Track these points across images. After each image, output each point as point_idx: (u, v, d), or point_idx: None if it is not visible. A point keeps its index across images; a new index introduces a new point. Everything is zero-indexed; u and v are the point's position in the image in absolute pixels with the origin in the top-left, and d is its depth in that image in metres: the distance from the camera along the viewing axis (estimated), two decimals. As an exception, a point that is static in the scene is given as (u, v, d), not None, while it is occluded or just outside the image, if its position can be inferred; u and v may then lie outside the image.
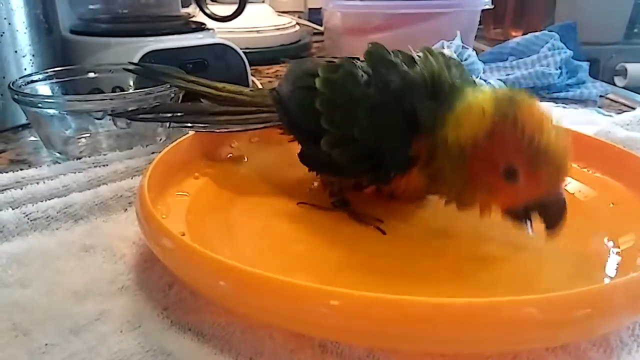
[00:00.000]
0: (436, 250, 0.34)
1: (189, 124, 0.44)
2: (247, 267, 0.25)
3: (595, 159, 0.42)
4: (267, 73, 0.85)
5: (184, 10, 0.75)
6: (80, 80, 0.54)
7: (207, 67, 0.65)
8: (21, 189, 0.40)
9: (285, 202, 0.39)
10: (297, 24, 1.01)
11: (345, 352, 0.26)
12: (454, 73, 0.35)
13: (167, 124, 0.51)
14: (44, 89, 0.51)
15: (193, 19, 0.73)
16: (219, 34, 0.73)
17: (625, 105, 0.70)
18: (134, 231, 0.36)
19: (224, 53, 0.68)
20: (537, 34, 0.76)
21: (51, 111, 0.47)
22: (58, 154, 0.49)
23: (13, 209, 0.38)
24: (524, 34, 0.80)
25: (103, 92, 0.53)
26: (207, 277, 0.27)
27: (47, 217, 0.38)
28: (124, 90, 0.54)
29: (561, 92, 0.71)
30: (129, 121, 0.49)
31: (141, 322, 0.29)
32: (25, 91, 0.48)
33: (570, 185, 0.41)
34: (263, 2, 1.03)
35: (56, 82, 0.52)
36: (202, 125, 0.43)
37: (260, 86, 0.72)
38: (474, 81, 0.36)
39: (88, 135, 0.51)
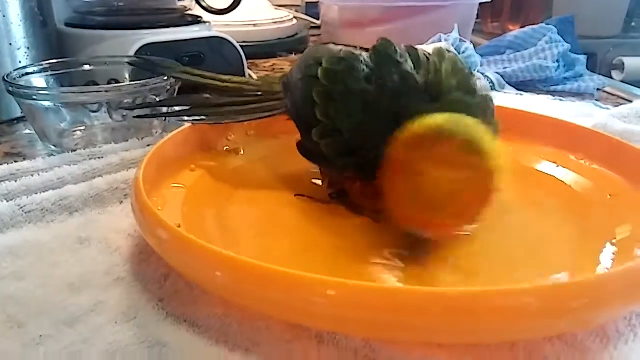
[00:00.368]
0: (433, 241, 0.34)
1: (196, 117, 0.44)
2: (243, 258, 0.25)
3: (593, 151, 0.42)
4: (264, 67, 0.85)
5: (180, 3, 0.74)
6: (76, 73, 0.54)
7: (203, 61, 0.65)
8: (16, 181, 0.40)
9: (281, 195, 0.39)
10: (294, 17, 1.00)
11: (342, 343, 0.26)
12: (454, 83, 0.34)
13: (167, 119, 0.51)
14: (39, 81, 0.51)
15: (189, 12, 0.73)
16: (215, 27, 0.72)
17: (622, 98, 0.70)
18: (130, 223, 0.36)
19: (220, 46, 0.68)
20: (534, 27, 0.76)
21: (46, 103, 0.47)
22: (53, 147, 0.48)
23: (7, 201, 0.37)
24: (521, 28, 0.80)
25: (98, 85, 0.53)
26: (203, 268, 0.27)
27: (42, 210, 0.37)
28: (119, 83, 0.54)
29: (558, 85, 0.71)
30: (124, 114, 0.49)
31: (136, 313, 0.29)
32: (20, 83, 0.47)
33: (568, 177, 0.41)
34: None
35: (51, 75, 0.52)
36: (209, 117, 0.43)
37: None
38: (474, 91, 0.35)
39: (83, 128, 0.51)
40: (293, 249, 0.33)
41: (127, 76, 0.55)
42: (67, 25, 0.66)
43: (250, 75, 0.72)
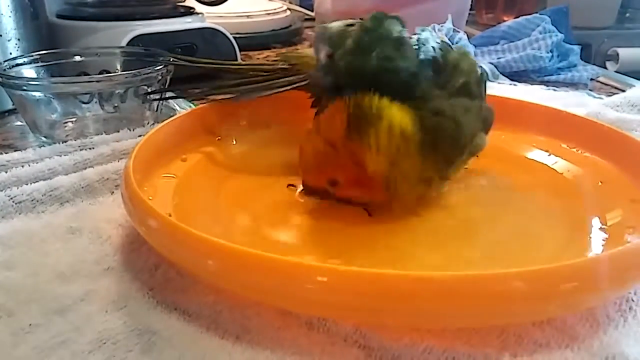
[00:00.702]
0: (422, 226, 0.34)
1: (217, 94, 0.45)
2: (234, 245, 0.25)
3: (584, 139, 0.42)
4: (258, 58, 0.84)
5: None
6: (67, 64, 0.53)
7: (196, 52, 0.65)
8: (6, 172, 0.40)
9: (273, 184, 0.39)
10: (288, 9, 1.00)
11: (332, 329, 0.26)
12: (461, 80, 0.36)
13: (160, 109, 0.51)
14: (29, 72, 0.51)
15: (182, 3, 0.72)
16: (208, 18, 0.72)
17: (615, 88, 0.70)
18: (121, 213, 0.35)
19: (213, 37, 0.67)
20: (528, 17, 0.76)
21: (36, 94, 0.46)
22: (44, 138, 0.48)
23: (-2, 192, 0.37)
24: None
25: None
26: (193, 256, 0.27)
27: (33, 200, 0.37)
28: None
29: (552, 75, 0.71)
30: (116, 104, 0.49)
31: (127, 302, 0.29)
32: (10, 74, 0.47)
33: (559, 164, 0.41)
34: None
35: (42, 66, 0.52)
36: (229, 94, 0.45)
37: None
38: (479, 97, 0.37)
39: (74, 119, 0.50)
40: (284, 238, 0.33)
41: (118, 67, 0.54)
42: (58, 16, 0.66)
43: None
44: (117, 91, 0.48)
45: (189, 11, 0.70)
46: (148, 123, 0.51)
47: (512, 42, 0.74)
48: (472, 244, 0.33)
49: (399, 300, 0.23)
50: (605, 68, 0.98)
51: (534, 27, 0.74)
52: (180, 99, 0.59)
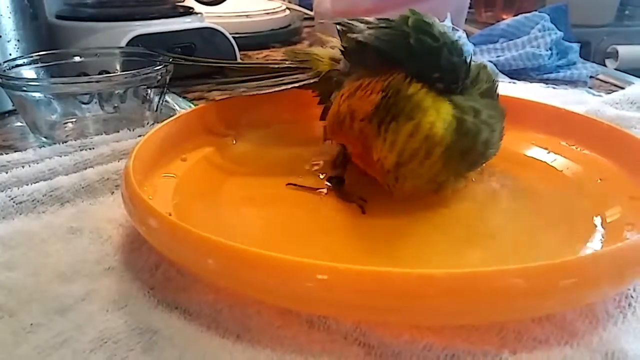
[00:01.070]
0: (419, 223, 0.34)
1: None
2: (234, 244, 0.25)
3: (583, 136, 0.42)
4: (257, 58, 0.84)
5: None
6: (66, 65, 0.53)
7: (195, 52, 0.65)
8: (6, 172, 0.40)
9: (273, 184, 0.39)
10: (287, 8, 1.00)
11: (332, 327, 0.26)
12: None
13: (160, 109, 0.51)
14: (29, 73, 0.51)
15: (181, 3, 0.73)
16: (207, 18, 0.72)
17: (615, 85, 0.70)
18: (121, 213, 0.36)
19: (212, 37, 0.67)
20: (527, 15, 0.76)
21: (36, 95, 0.46)
22: (44, 139, 0.48)
23: (-2, 193, 0.37)
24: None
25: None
26: (194, 254, 0.27)
27: (33, 201, 0.37)
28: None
29: (551, 73, 0.71)
30: (116, 105, 0.49)
31: (127, 301, 0.29)
32: (9, 75, 0.47)
33: (558, 161, 0.41)
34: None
35: (41, 67, 0.52)
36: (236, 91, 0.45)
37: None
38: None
39: (74, 119, 0.50)
40: (284, 236, 0.33)
41: (117, 67, 0.54)
42: (57, 17, 0.66)
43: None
44: (116, 91, 0.48)
45: (188, 11, 0.70)
46: (148, 123, 0.51)
47: (511, 40, 0.74)
48: (471, 241, 0.33)
49: (398, 298, 0.23)
50: (605, 66, 0.98)
51: (533, 25, 0.74)
52: (180, 99, 0.59)
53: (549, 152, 0.42)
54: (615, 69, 0.94)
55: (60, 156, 0.42)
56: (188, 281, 0.30)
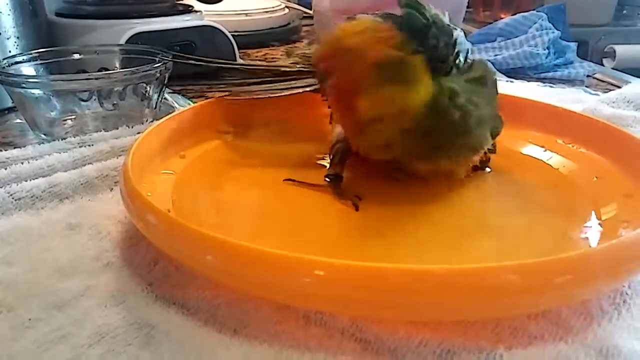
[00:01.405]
0: (415, 220, 0.34)
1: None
2: (232, 240, 0.25)
3: (579, 134, 0.42)
4: (256, 56, 0.85)
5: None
6: (66, 62, 0.53)
7: (194, 50, 0.65)
8: (5, 169, 0.40)
9: (271, 180, 0.39)
10: (286, 6, 1.00)
11: (329, 323, 0.26)
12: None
13: (159, 106, 0.51)
14: (28, 70, 0.51)
15: (180, 1, 0.73)
16: (207, 16, 0.72)
17: (612, 84, 0.70)
18: (120, 210, 0.36)
19: (212, 35, 0.68)
20: (525, 14, 0.76)
21: (36, 92, 0.47)
22: (44, 136, 0.48)
23: (-3, 189, 0.38)
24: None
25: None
26: (192, 250, 0.27)
27: (32, 197, 0.37)
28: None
29: (549, 72, 0.71)
30: (115, 102, 0.49)
31: (126, 297, 0.29)
32: (9, 72, 0.47)
33: (554, 159, 0.41)
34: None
35: (41, 64, 0.52)
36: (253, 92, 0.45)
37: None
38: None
39: (74, 117, 0.51)
40: (282, 233, 0.34)
41: (117, 65, 0.55)
42: (57, 14, 0.66)
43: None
44: (116, 89, 0.48)
45: (188, 9, 0.71)
46: (147, 120, 0.51)
47: (509, 39, 0.75)
48: (466, 237, 0.33)
49: (395, 294, 0.24)
50: (602, 65, 0.99)
51: (531, 24, 0.74)
52: (179, 97, 0.59)
53: (545, 150, 0.42)
54: (613, 69, 0.94)
55: (60, 153, 0.42)
56: (186, 277, 0.30)
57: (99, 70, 0.54)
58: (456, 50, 0.35)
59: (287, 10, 0.99)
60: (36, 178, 0.39)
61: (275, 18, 0.95)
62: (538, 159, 0.42)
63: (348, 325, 0.26)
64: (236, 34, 0.72)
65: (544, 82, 0.67)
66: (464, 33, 0.74)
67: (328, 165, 0.39)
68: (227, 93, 0.46)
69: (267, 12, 0.94)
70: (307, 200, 0.37)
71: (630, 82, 0.66)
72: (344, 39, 0.33)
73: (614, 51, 1.03)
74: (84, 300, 0.28)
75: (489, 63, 0.39)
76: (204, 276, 0.29)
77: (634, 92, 0.55)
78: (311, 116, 0.45)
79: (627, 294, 0.28)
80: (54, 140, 0.46)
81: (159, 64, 0.49)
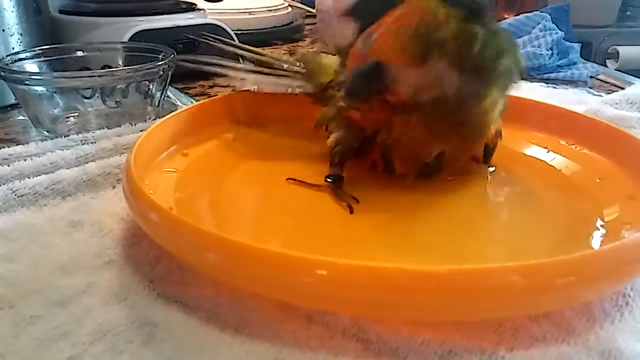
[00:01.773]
0: (422, 222, 0.34)
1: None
2: (235, 238, 0.26)
3: (583, 136, 0.42)
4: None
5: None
6: (69, 59, 0.53)
7: (197, 48, 0.65)
8: (8, 165, 0.40)
9: (273, 179, 0.39)
10: (290, 5, 1.00)
11: (331, 323, 0.26)
12: None
13: (162, 105, 0.51)
14: (32, 67, 0.51)
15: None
16: (210, 14, 0.72)
17: (615, 85, 0.70)
18: (122, 207, 0.36)
19: (214, 33, 0.67)
20: (528, 14, 0.76)
21: (39, 89, 0.47)
22: (46, 133, 0.48)
23: (0, 186, 0.37)
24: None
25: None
26: (194, 248, 0.27)
27: (35, 194, 0.37)
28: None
29: (552, 73, 0.71)
30: (118, 99, 0.49)
31: (127, 294, 0.29)
32: (12, 69, 0.47)
33: (557, 161, 0.41)
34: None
35: (44, 61, 0.52)
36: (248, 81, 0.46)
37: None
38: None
39: (77, 114, 0.51)
40: (284, 232, 0.34)
41: (120, 62, 0.55)
42: (60, 12, 0.66)
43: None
44: (119, 86, 0.48)
45: (191, 7, 0.70)
46: (149, 118, 0.51)
47: (513, 39, 0.74)
48: (469, 238, 0.33)
49: (397, 294, 0.24)
50: (606, 66, 0.98)
51: (534, 24, 0.74)
52: (182, 95, 0.59)
53: (548, 151, 0.42)
54: (616, 70, 0.94)
55: (62, 150, 0.43)
56: (188, 275, 0.30)
57: (102, 68, 0.54)
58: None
59: (290, 8, 0.99)
60: (39, 175, 0.39)
61: (278, 17, 0.95)
62: (541, 160, 0.42)
63: (350, 324, 0.26)
64: (239, 32, 0.72)
65: (547, 83, 0.67)
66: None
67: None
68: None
69: (270, 10, 0.94)
70: (310, 199, 0.37)
71: (633, 84, 0.65)
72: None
73: (618, 52, 1.03)
74: (85, 298, 0.28)
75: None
76: (205, 274, 0.29)
77: (637, 94, 0.55)
78: (315, 116, 0.45)
79: (629, 295, 0.28)
80: (56, 137, 0.46)
81: (162, 62, 0.49)
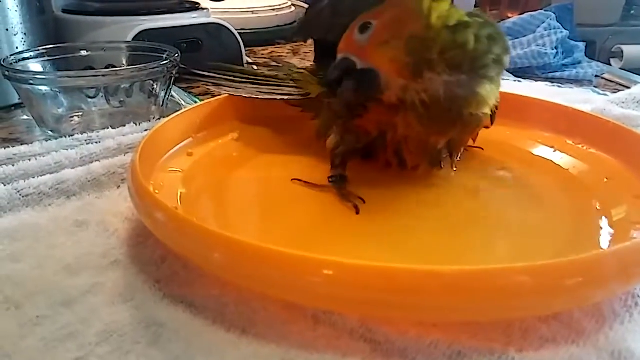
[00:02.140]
0: (429, 223, 0.34)
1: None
2: (241, 238, 0.25)
3: (590, 135, 0.42)
4: (263, 54, 0.84)
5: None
6: (73, 59, 0.53)
7: (201, 47, 0.65)
8: (13, 165, 0.40)
9: (278, 178, 0.39)
10: (293, 4, 1.00)
11: (338, 323, 0.26)
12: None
13: (166, 104, 0.51)
14: (35, 66, 0.51)
15: (187, -1, 0.73)
16: (213, 14, 0.72)
17: (620, 84, 0.70)
18: (127, 207, 0.36)
19: (218, 33, 0.67)
20: (533, 13, 0.76)
21: (43, 88, 0.47)
22: (51, 132, 0.48)
23: (5, 185, 0.37)
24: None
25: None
26: (200, 248, 0.27)
27: (39, 194, 0.37)
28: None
29: (557, 72, 0.71)
30: (122, 99, 0.49)
31: (133, 294, 0.29)
32: (16, 68, 0.47)
33: (564, 160, 0.41)
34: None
35: (48, 60, 0.52)
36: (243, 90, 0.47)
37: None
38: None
39: (81, 113, 0.51)
40: (290, 231, 0.33)
41: (124, 61, 0.54)
42: (64, 11, 0.66)
43: (248, 62, 0.72)
44: (123, 86, 0.48)
45: (195, 6, 0.71)
46: (154, 117, 0.51)
47: (517, 38, 0.74)
48: (476, 238, 0.33)
49: (404, 294, 0.23)
50: (610, 65, 0.98)
51: (539, 23, 0.74)
52: (186, 94, 0.59)
53: (555, 151, 0.42)
54: (621, 69, 0.94)
55: (67, 150, 0.42)
56: (194, 275, 0.30)
57: (106, 67, 0.54)
58: None
59: (293, 8, 0.99)
60: (43, 175, 0.39)
61: (281, 16, 0.94)
62: (548, 160, 0.41)
63: (357, 325, 0.26)
64: (242, 31, 0.72)
65: (552, 82, 0.67)
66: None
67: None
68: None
69: (273, 9, 0.94)
70: (315, 199, 0.37)
71: (639, 83, 0.65)
72: None
73: (622, 51, 1.02)
74: (91, 298, 0.28)
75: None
76: (211, 274, 0.29)
77: (643, 93, 0.55)
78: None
79: (639, 296, 0.28)
80: (61, 137, 0.46)
81: (166, 61, 0.49)
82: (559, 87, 0.65)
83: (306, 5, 1.07)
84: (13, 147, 0.44)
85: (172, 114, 0.42)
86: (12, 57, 0.49)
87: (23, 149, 0.43)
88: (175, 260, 0.31)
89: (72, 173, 0.39)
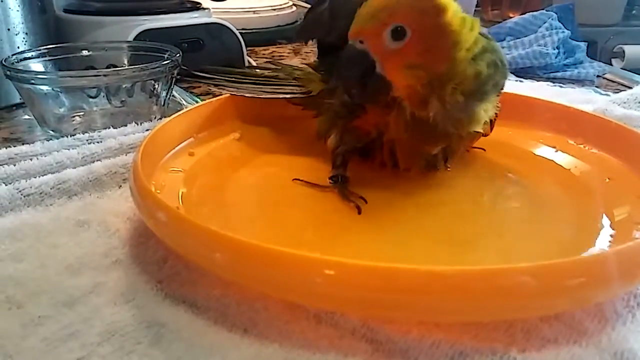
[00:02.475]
0: (431, 223, 0.34)
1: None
2: (242, 238, 0.25)
3: (591, 135, 0.42)
4: (264, 54, 0.84)
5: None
6: (74, 58, 0.53)
7: (202, 47, 0.65)
8: (14, 165, 0.40)
9: (279, 178, 0.39)
10: (294, 4, 1.00)
11: (339, 323, 0.26)
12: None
13: (167, 103, 0.51)
14: (37, 66, 0.51)
15: (189, -1, 0.73)
16: (215, 13, 0.72)
17: (622, 84, 0.70)
18: (129, 207, 0.36)
19: (219, 32, 0.67)
20: (535, 13, 0.76)
21: (44, 88, 0.47)
22: (52, 132, 0.48)
23: (6, 185, 0.37)
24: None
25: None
26: (201, 248, 0.27)
27: (41, 193, 0.37)
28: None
29: (558, 72, 0.71)
30: (123, 99, 0.49)
31: (135, 294, 0.29)
32: (18, 68, 0.47)
33: (566, 160, 0.41)
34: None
35: (50, 60, 0.52)
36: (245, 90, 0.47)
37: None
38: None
39: (82, 113, 0.51)
40: (291, 231, 0.33)
41: (125, 61, 0.54)
42: (65, 11, 0.66)
43: (249, 62, 0.72)
44: (124, 85, 0.48)
45: (196, 6, 0.71)
46: (155, 117, 0.51)
47: (519, 38, 0.74)
48: (478, 238, 0.33)
49: (406, 294, 0.23)
50: (611, 65, 0.98)
51: (540, 23, 0.74)
52: (187, 94, 0.59)
53: (557, 151, 0.42)
54: (622, 69, 0.94)
55: (68, 149, 0.42)
56: (196, 275, 0.30)
57: (107, 67, 0.54)
58: None
59: (294, 8, 0.99)
60: (45, 174, 0.39)
61: (282, 16, 0.94)
62: (550, 160, 0.41)
63: (359, 325, 0.26)
64: (244, 31, 0.72)
65: (554, 82, 0.67)
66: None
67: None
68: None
69: (274, 9, 0.94)
70: (317, 199, 0.37)
71: (640, 83, 0.65)
72: None
73: (623, 51, 1.02)
74: (93, 298, 0.28)
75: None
76: (213, 274, 0.29)
77: (646, 93, 0.55)
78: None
79: (641, 296, 0.28)
80: (62, 136, 0.46)
81: (167, 61, 0.49)
82: (561, 87, 0.65)
83: (307, 5, 1.07)
84: (14, 146, 0.44)
85: (174, 113, 0.42)
86: (14, 57, 0.49)
87: (24, 148, 0.43)
88: (176, 260, 0.31)
89: (73, 173, 0.39)
